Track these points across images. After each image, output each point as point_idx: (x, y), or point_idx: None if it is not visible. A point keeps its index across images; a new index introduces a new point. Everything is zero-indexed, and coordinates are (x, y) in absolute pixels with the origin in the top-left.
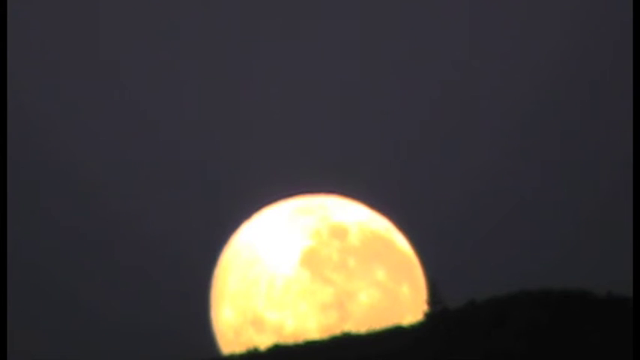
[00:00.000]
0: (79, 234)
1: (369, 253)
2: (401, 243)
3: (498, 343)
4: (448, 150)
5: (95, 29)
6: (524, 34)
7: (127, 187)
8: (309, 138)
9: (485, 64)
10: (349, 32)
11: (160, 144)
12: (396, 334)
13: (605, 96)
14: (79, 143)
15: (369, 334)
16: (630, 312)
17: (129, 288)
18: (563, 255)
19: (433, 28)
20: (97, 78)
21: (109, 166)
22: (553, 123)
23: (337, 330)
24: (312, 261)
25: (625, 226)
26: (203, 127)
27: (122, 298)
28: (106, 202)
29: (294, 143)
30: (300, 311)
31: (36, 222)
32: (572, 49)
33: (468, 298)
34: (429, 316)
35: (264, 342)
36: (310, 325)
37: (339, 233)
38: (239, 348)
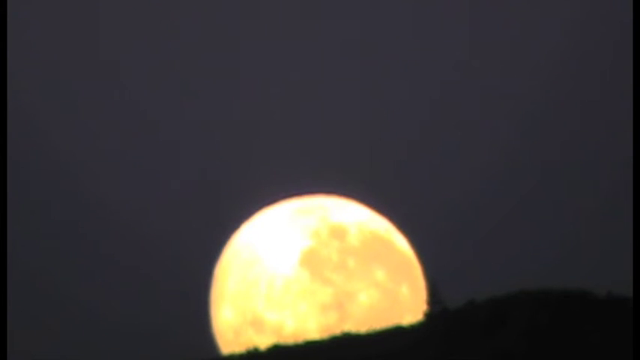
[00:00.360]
0: (79, 234)
1: (368, 253)
2: (400, 243)
3: (498, 343)
4: (448, 150)
5: (95, 29)
6: (524, 34)
7: (127, 187)
8: (309, 138)
9: (485, 64)
10: (349, 32)
11: (160, 144)
12: (395, 334)
13: (606, 96)
14: (79, 143)
15: (368, 334)
16: (630, 312)
17: (129, 288)
18: (563, 255)
19: (433, 28)
20: (97, 78)
21: (109, 166)
22: (553, 123)
23: (337, 330)
24: (311, 261)
25: (625, 226)
26: (203, 127)
27: (122, 298)
28: (105, 202)
29: (294, 143)
30: (300, 312)
31: (36, 222)
32: (572, 49)
33: (468, 298)
34: (429, 316)
35: (263, 342)
36: (310, 325)
37: (338, 233)
38: (239, 348)
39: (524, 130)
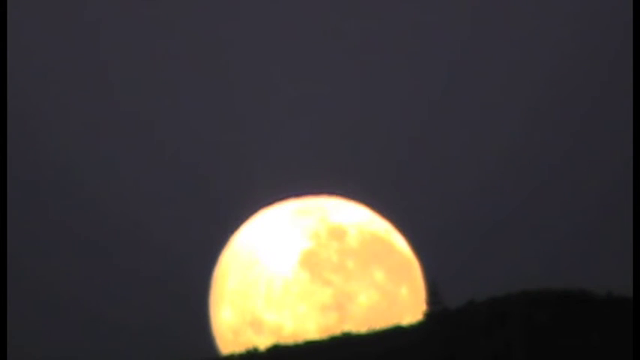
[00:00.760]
0: (79, 235)
1: (368, 254)
2: (400, 244)
3: (498, 343)
4: (448, 151)
5: (95, 29)
6: (525, 34)
7: (127, 188)
8: (309, 138)
9: (485, 64)
10: (350, 32)
11: (160, 145)
12: (395, 334)
13: (606, 96)
14: (79, 143)
15: (368, 334)
16: (630, 312)
17: (129, 289)
18: (563, 255)
19: (433, 28)
20: (97, 78)
21: (109, 166)
22: (553, 123)
23: (336, 331)
24: (311, 262)
25: (625, 226)
26: (202, 127)
27: (122, 299)
28: (106, 202)
29: (294, 143)
30: (300, 312)
31: (36, 222)
32: (573, 50)
33: (468, 298)
34: (429, 317)
35: (262, 343)
36: (309, 326)
37: (338, 234)
38: (238, 349)
39: (525, 130)
